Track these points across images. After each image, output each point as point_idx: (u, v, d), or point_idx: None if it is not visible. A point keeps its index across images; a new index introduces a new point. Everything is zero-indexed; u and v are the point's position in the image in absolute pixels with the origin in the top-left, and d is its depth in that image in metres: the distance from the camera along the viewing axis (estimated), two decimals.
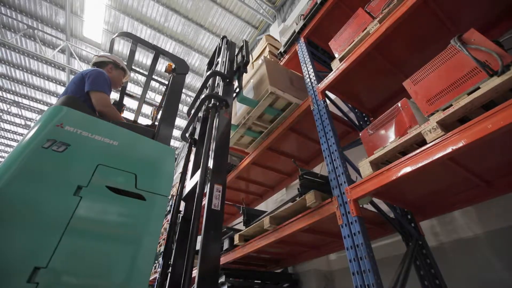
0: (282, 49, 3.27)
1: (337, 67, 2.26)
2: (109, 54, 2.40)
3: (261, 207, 4.58)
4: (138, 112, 3.07)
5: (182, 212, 1.99)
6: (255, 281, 3.10)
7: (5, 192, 1.04)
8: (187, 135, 2.56)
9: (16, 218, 1.02)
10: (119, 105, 2.78)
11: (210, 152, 1.80)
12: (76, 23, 8.35)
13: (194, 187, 1.88)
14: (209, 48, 9.31)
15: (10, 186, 1.05)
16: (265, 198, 4.45)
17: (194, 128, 2.56)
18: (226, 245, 2.98)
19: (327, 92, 2.44)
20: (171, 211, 2.09)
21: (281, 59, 3.33)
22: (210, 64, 3.23)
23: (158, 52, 2.46)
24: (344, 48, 2.27)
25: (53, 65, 9.37)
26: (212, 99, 2.09)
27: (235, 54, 2.77)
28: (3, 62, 9.15)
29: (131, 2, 7.89)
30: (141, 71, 3.04)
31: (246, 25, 8.74)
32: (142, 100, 2.99)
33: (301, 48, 2.91)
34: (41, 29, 8.17)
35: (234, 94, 2.61)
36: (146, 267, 1.21)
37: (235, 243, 2.80)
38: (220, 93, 2.26)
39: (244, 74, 2.57)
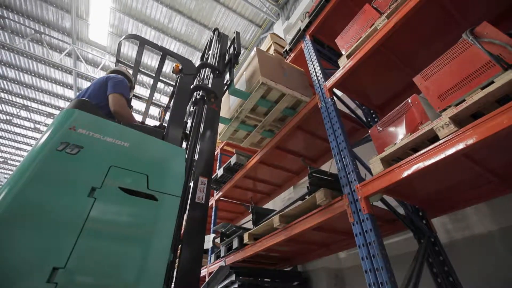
0: (287, 47, 3.26)
1: (344, 64, 2.24)
2: (125, 68, 2.44)
3: (268, 205, 4.59)
4: (146, 113, 3.10)
5: None
6: (265, 279, 3.11)
7: (23, 195, 1.06)
8: None
9: (34, 219, 1.04)
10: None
11: (197, 144, 1.79)
12: (82, 27, 8.46)
13: None
14: None
15: (27, 189, 1.08)
16: (273, 197, 4.45)
17: (186, 122, 2.55)
18: (235, 244, 2.99)
19: (334, 89, 2.42)
20: None
21: (287, 57, 3.32)
22: (203, 59, 3.20)
23: (165, 54, 2.48)
24: (351, 45, 2.25)
25: (60, 68, 9.51)
26: (200, 91, 2.07)
27: (227, 46, 2.72)
28: (12, 67, 9.32)
29: (135, 4, 7.94)
30: (147, 72, 3.06)
31: (250, 24, 8.72)
32: (149, 101, 3.02)
33: (307, 46, 2.89)
34: (48, 33, 8.29)
35: (226, 87, 2.59)
36: (160, 267, 1.22)
37: (244, 242, 2.81)
38: (210, 85, 2.24)
39: (240, 69, 2.54)
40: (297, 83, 2.81)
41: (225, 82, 2.62)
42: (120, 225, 1.25)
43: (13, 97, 10.46)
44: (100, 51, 9.13)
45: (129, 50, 9.13)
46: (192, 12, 8.34)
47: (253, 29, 8.92)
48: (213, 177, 4.06)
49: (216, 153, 4.98)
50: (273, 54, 3.44)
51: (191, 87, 2.09)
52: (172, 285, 1.32)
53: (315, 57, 2.71)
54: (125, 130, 1.51)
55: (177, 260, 1.40)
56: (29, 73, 9.60)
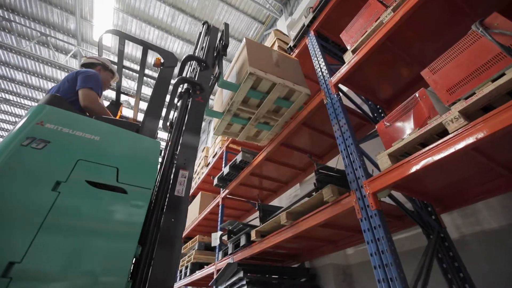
0: (291, 43, 3.24)
1: (350, 59, 2.22)
2: (97, 56, 2.44)
3: (275, 202, 4.60)
4: (136, 109, 3.01)
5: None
6: (273, 276, 3.12)
7: None
8: (168, 124, 2.43)
9: None
10: (116, 104, 2.80)
11: (179, 137, 1.77)
12: (86, 28, 8.54)
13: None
14: None
15: None
16: (279, 194, 4.46)
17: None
18: (243, 241, 3.01)
19: (339, 85, 2.40)
20: None
21: (291, 53, 3.30)
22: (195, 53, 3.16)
23: (146, 47, 2.44)
24: (356, 39, 2.22)
25: (66, 70, 9.63)
26: (186, 84, 2.05)
27: (218, 39, 2.67)
28: (20, 69, 9.47)
29: (138, 4, 7.98)
30: (135, 67, 3.04)
31: (253, 21, 8.69)
32: (138, 96, 2.93)
33: (311, 42, 2.87)
34: (54, 35, 8.39)
35: (215, 80, 2.55)
36: (125, 261, 1.19)
37: (251, 239, 2.82)
38: (196, 78, 2.20)
39: (232, 62, 2.49)
40: (290, 73, 2.73)
41: (215, 75, 2.59)
42: (83, 219, 1.21)
43: (21, 99, 10.64)
44: (105, 51, 9.20)
45: (127, 47, 9.18)
46: (195, 10, 8.34)
47: (256, 26, 8.88)
48: (219, 175, 4.08)
49: (221, 151, 4.99)
50: (278, 51, 3.42)
51: (176, 79, 2.05)
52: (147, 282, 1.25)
53: (319, 52, 2.69)
54: (96, 124, 1.48)
55: (150, 253, 1.34)
56: (36, 75, 9.75)
